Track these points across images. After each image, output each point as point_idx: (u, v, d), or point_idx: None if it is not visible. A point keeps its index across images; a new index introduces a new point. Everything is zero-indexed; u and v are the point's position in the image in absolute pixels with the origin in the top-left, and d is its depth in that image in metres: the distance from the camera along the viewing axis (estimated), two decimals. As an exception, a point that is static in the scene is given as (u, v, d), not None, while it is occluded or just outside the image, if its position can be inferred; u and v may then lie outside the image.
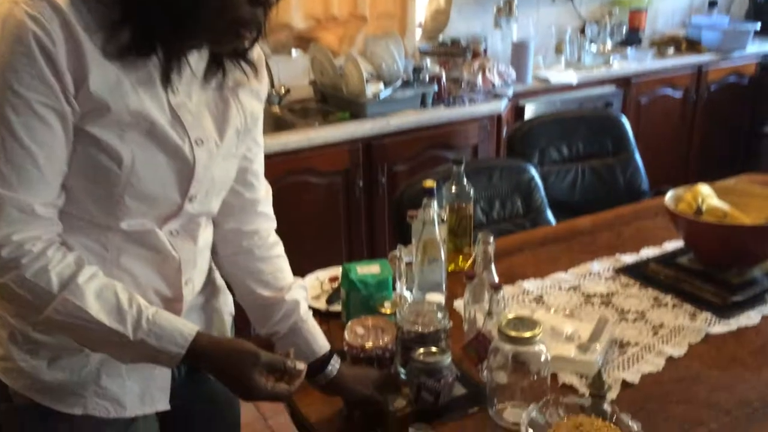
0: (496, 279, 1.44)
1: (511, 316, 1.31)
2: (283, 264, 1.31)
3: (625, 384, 1.39)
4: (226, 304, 1.36)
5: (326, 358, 1.27)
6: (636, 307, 1.67)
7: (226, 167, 1.16)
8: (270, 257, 1.28)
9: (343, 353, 1.38)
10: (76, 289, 0.98)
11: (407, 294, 1.71)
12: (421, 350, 1.35)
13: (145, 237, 1.08)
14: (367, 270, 1.58)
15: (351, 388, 1.26)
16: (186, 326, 1.05)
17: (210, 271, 1.29)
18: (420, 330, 1.38)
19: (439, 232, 1.64)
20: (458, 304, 1.72)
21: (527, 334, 1.24)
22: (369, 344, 1.36)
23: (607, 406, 1.22)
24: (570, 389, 1.38)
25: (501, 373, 1.28)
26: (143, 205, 1.05)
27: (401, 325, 1.40)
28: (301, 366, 1.11)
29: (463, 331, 1.50)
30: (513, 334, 1.25)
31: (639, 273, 1.83)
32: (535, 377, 1.26)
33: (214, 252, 1.28)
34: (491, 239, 1.44)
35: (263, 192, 1.30)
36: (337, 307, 1.66)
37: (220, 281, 1.34)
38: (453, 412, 1.33)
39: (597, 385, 1.25)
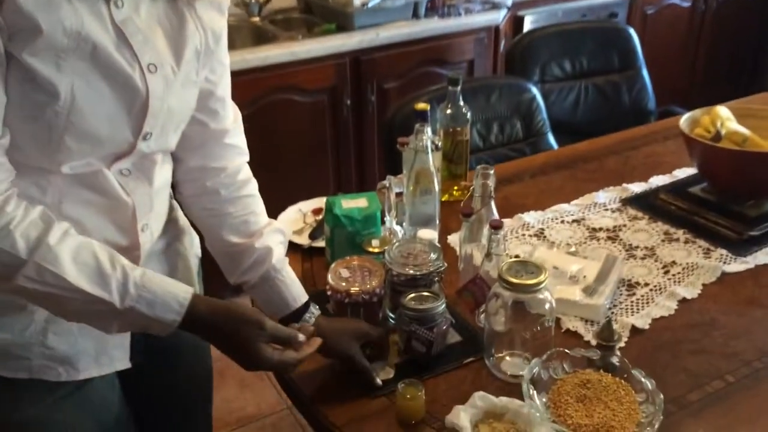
0: (497, 216, 1.29)
1: (512, 259, 1.17)
2: (255, 205, 1.16)
3: (634, 330, 1.28)
4: (192, 245, 1.21)
5: (302, 311, 1.14)
6: (645, 243, 1.54)
7: (185, 96, 0.99)
8: (239, 198, 1.13)
9: (327, 297, 1.25)
10: (48, 252, 0.84)
11: (397, 229, 1.57)
12: (412, 295, 1.22)
13: (90, 179, 0.92)
14: (354, 204, 1.43)
15: (331, 345, 1.11)
16: (179, 289, 0.92)
17: (171, 212, 1.13)
18: (411, 272, 1.25)
19: (433, 161, 1.48)
20: (452, 239, 1.58)
21: (531, 281, 1.11)
22: (355, 288, 1.23)
23: (616, 360, 1.11)
24: (574, 336, 1.26)
25: (500, 320, 1.16)
26: (87, 146, 0.89)
27: (390, 267, 1.26)
28: (304, 338, 1.04)
29: (458, 270, 1.38)
30: (515, 280, 1.11)
31: (648, 204, 1.69)
32: (538, 328, 1.14)
33: (175, 190, 1.12)
34: (491, 172, 1.29)
35: (231, 120, 1.13)
36: (321, 243, 1.52)
37: (183, 221, 1.19)
38: (446, 361, 1.21)
39: (606, 334, 1.13)
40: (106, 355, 1.02)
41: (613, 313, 1.32)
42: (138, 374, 1.09)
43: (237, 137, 1.14)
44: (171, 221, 1.14)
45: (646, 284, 1.40)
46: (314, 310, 1.15)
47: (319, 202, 1.72)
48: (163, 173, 1.04)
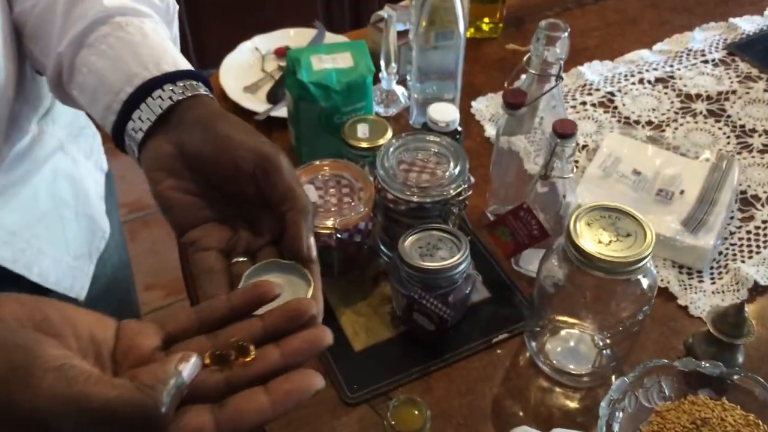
0: (565, 112, 0.78)
1: (590, 204, 0.70)
2: None
3: (756, 288, 0.83)
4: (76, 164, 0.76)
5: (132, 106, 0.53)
6: (766, 122, 1.04)
7: None
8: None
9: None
10: None
11: (399, 91, 1.06)
12: (416, 236, 0.76)
13: None
14: (331, 62, 0.91)
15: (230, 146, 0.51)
16: None
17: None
18: (416, 200, 0.77)
19: (459, -12, 0.93)
20: (479, 107, 1.08)
21: (624, 254, 0.64)
22: (326, 225, 0.76)
23: (737, 375, 0.67)
24: (660, 296, 0.82)
25: (558, 283, 0.71)
26: None
27: (383, 186, 0.78)
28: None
29: (489, 175, 0.90)
30: (599, 253, 0.64)
31: (766, 53, 1.15)
32: (622, 325, 0.69)
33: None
34: (565, 34, 0.75)
35: None
36: (283, 111, 1.02)
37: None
38: (465, 337, 0.78)
39: (731, 325, 0.69)
40: None
41: (721, 255, 0.86)
42: None
43: None
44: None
45: (771, 201, 0.93)
46: (194, 85, 0.54)
47: (289, 36, 1.18)
48: None
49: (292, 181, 0.50)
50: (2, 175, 0.68)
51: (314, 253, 0.50)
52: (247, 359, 0.41)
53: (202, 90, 0.54)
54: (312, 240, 0.50)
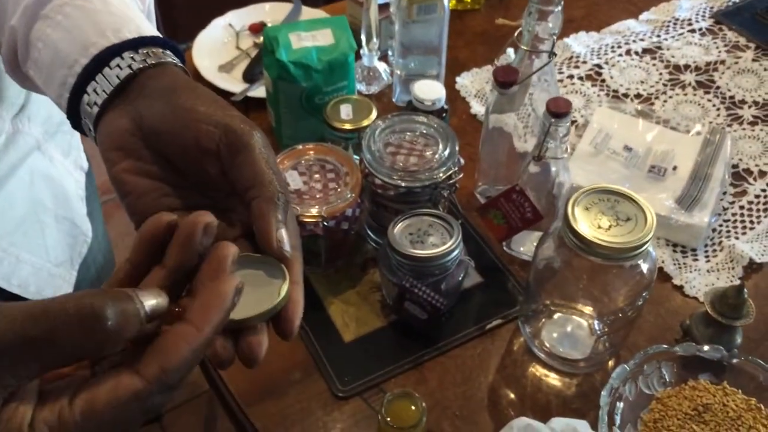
0: (558, 89, 0.75)
1: (588, 187, 0.67)
2: None
3: (750, 266, 0.82)
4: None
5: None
6: (754, 92, 1.02)
7: None
8: None
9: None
10: None
11: (381, 68, 1.02)
12: (406, 222, 0.74)
13: None
14: (311, 40, 0.87)
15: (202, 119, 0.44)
16: None
17: None
18: (404, 185, 0.74)
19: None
20: (464, 83, 1.04)
21: (624, 239, 0.61)
22: (310, 213, 0.73)
23: (738, 358, 0.66)
24: (660, 277, 0.80)
25: (554, 266, 0.69)
26: None
27: (370, 170, 0.75)
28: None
29: (479, 154, 0.87)
30: (598, 239, 0.61)
31: (754, 22, 1.13)
32: (621, 313, 0.67)
33: None
34: (559, 8, 0.71)
35: None
36: (261, 91, 0.97)
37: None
38: (458, 324, 0.76)
39: (730, 306, 0.68)
40: None
41: (716, 232, 0.85)
42: None
43: None
44: None
45: (764, 174, 0.91)
46: (162, 54, 0.47)
47: (264, 11, 1.13)
48: None
49: (262, 162, 0.42)
50: None
51: (287, 246, 0.41)
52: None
53: (169, 58, 0.46)
54: (283, 233, 0.41)
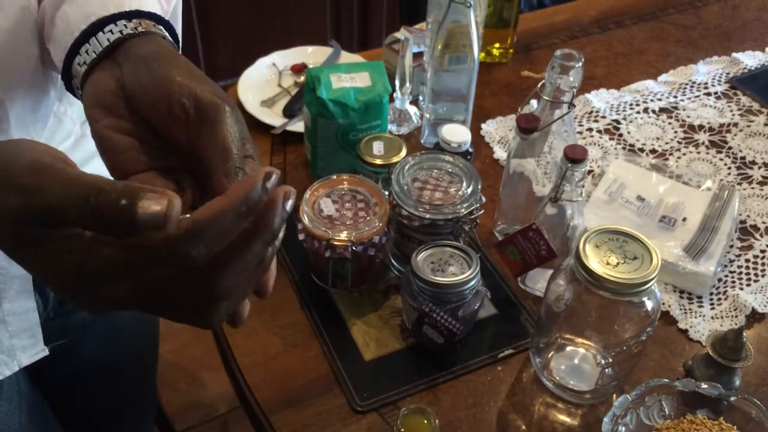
0: (575, 136, 0.82)
1: (596, 228, 0.72)
2: None
3: (753, 315, 0.86)
4: None
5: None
6: (766, 155, 1.08)
7: None
8: None
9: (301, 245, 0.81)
10: None
11: (412, 111, 1.09)
12: (429, 252, 0.79)
13: None
14: (349, 81, 0.94)
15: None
16: None
17: None
18: (429, 217, 0.80)
19: (475, 14, 0.97)
20: (489, 129, 1.11)
21: (630, 276, 0.67)
22: (340, 237, 0.79)
23: (735, 396, 0.70)
24: (666, 320, 0.85)
25: (562, 302, 0.74)
26: None
27: (397, 202, 0.81)
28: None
29: (499, 196, 0.93)
30: (607, 274, 0.67)
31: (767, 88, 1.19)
32: (625, 347, 0.72)
33: None
34: (579, 64, 0.78)
35: None
36: (299, 126, 1.05)
37: None
38: (471, 351, 0.81)
39: (730, 349, 0.72)
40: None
41: (721, 282, 0.89)
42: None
43: None
44: None
45: (770, 231, 0.96)
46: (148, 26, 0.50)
47: (306, 53, 1.21)
48: None
49: (227, 138, 0.43)
50: None
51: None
52: None
53: (159, 31, 0.49)
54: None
